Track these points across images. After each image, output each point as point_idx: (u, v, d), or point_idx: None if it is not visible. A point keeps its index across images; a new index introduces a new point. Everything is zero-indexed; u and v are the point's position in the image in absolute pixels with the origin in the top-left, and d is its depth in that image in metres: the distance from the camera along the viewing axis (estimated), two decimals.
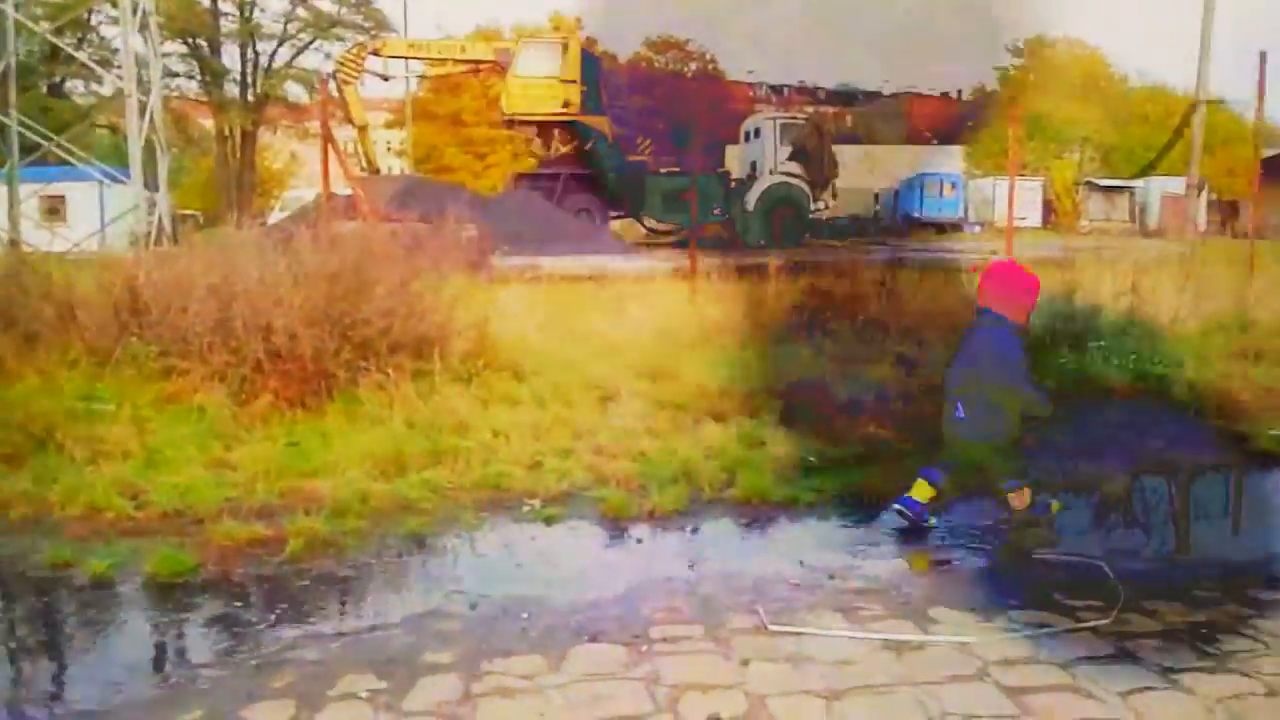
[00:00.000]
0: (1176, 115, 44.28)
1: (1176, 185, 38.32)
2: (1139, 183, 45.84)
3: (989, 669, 4.12)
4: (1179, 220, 34.41)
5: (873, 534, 5.90)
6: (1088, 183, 45.99)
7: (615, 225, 30.34)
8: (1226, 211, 43.40)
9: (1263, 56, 15.01)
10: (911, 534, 5.88)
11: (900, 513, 5.92)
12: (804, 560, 5.38)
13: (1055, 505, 6.02)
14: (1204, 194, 38.81)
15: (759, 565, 5.32)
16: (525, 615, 4.64)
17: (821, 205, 31.07)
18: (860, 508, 6.22)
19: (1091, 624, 4.54)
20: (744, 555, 5.55)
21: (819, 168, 30.18)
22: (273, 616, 4.67)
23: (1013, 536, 5.74)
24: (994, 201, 41.07)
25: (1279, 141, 55.87)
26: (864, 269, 13.70)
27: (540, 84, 28.97)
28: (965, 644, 4.33)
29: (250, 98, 47.30)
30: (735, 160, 34.28)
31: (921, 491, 5.92)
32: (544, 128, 29.78)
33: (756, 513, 6.15)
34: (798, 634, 4.42)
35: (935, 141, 59.20)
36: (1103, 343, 9.31)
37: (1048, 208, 44.61)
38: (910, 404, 7.89)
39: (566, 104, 29.02)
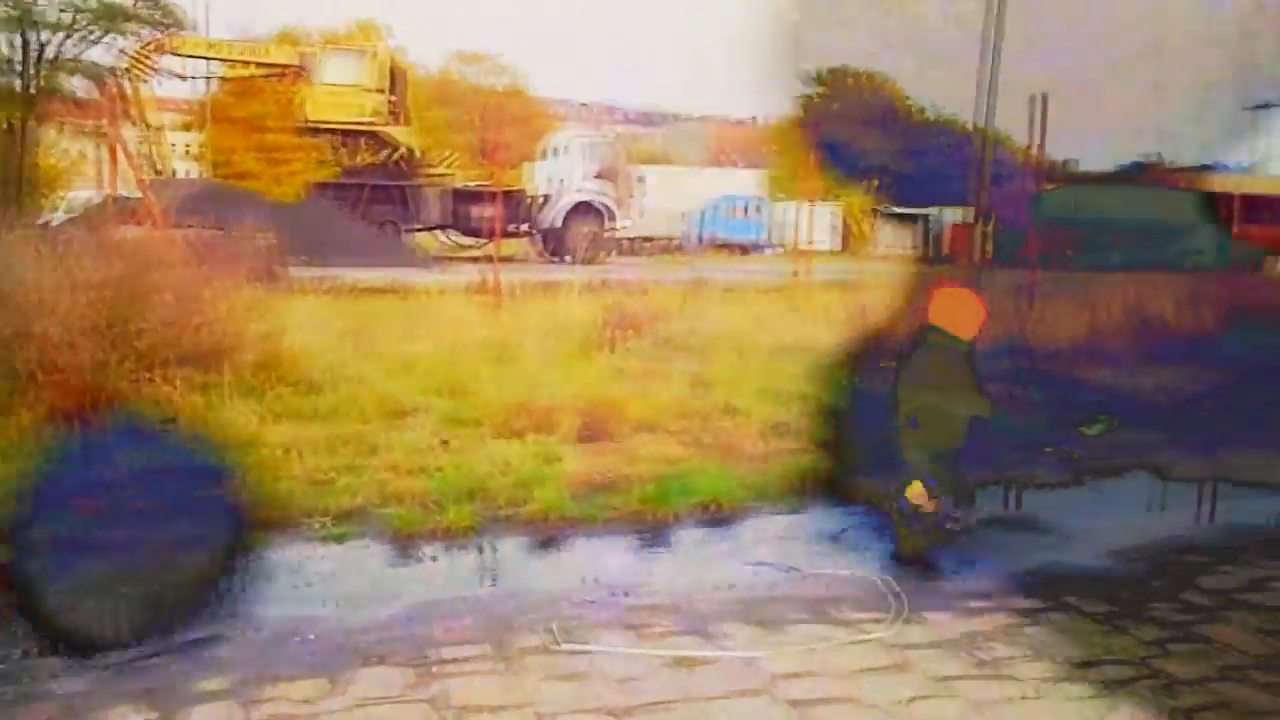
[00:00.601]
0: (967, 148, 46.40)
1: (964, 214, 40.20)
2: (930, 210, 47.87)
3: (774, 683, 4.19)
4: (966, 247, 36.05)
5: (668, 550, 5.96)
6: (880, 210, 47.79)
7: (418, 238, 29.93)
8: (1031, 241, 45.64)
9: (1044, 98, 15.92)
10: (707, 550, 5.96)
11: (896, 514, 6.07)
12: (597, 577, 5.38)
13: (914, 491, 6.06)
14: (990, 223, 40.85)
15: (551, 583, 5.29)
16: (308, 637, 4.49)
17: (623, 224, 31.35)
18: (655, 525, 6.27)
19: (873, 636, 4.68)
20: (537, 573, 5.52)
21: (622, 187, 30.48)
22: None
23: (901, 531, 6.01)
24: (794, 225, 42.23)
25: (1058, 178, 59.21)
26: (662, 289, 13.89)
27: (345, 92, 28.36)
28: (752, 659, 4.40)
29: (33, 90, 44.58)
30: (540, 176, 34.27)
31: (915, 492, 6.02)
32: (348, 136, 29.16)
33: (551, 530, 6.12)
34: (588, 652, 4.41)
35: (739, 165, 60.54)
36: (893, 363, 9.63)
37: (843, 233, 46.13)
38: (707, 422, 8.03)
39: (372, 113, 28.49)
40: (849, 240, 45.61)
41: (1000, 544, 6.34)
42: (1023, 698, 4.13)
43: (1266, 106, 73.16)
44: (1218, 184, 37.37)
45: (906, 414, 6.11)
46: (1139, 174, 67.56)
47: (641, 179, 31.57)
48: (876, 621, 4.84)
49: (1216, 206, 34.88)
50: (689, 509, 6.44)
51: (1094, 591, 5.37)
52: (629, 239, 33.52)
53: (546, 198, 31.05)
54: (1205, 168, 63.49)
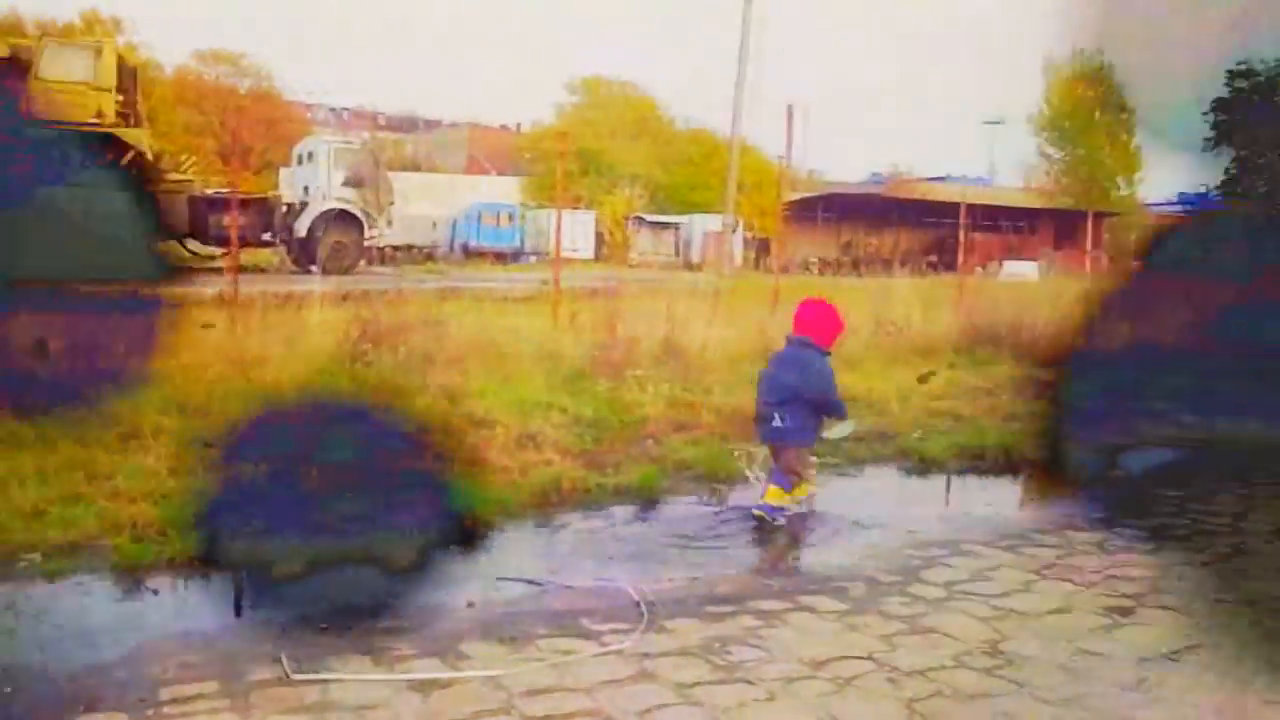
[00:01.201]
0: (716, 158, 47.74)
1: (716, 223, 41.30)
2: (683, 219, 48.97)
3: (514, 700, 4.13)
4: (718, 255, 37.05)
5: (411, 574, 5.81)
6: (637, 218, 48.55)
7: (161, 248, 28.40)
8: (760, 248, 47.26)
9: (790, 110, 16.49)
10: (451, 569, 5.86)
11: (759, 516, 6.85)
12: (333, 602, 5.18)
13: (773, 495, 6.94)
14: (739, 232, 42.13)
15: (288, 611, 5.07)
16: (6, 690, 4.14)
17: (377, 233, 30.70)
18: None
19: (615, 648, 4.68)
20: (272, 601, 5.28)
21: (375, 194, 29.82)
22: None
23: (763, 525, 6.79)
24: (550, 232, 42.38)
25: (805, 187, 61.64)
26: (415, 299, 13.63)
27: (69, 90, 26.56)
28: (494, 677, 4.33)
29: None
30: (290, 183, 33.12)
31: (774, 495, 6.91)
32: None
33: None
34: (322, 681, 4.24)
35: (495, 172, 60.36)
36: (639, 371, 9.76)
37: (600, 241, 46.60)
38: (452, 436, 7.90)
39: (99, 114, 26.82)
40: (606, 248, 46.08)
41: (752, 549, 6.49)
42: (758, 700, 4.21)
43: (1000, 122, 78.33)
44: (954, 194, 39.50)
45: (781, 415, 6.97)
46: (882, 183, 71.23)
47: (393, 186, 30.93)
48: (622, 632, 4.86)
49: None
50: (429, 531, 6.30)
51: (833, 589, 5.57)
52: (383, 248, 32.85)
53: (296, 205, 30.04)
54: (941, 178, 67.46)
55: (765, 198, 46.18)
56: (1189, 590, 5.80)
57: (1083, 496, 8.20)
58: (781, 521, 6.87)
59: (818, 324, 7.26)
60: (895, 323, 13.93)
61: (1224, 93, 59.31)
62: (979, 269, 40.72)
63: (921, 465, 8.81)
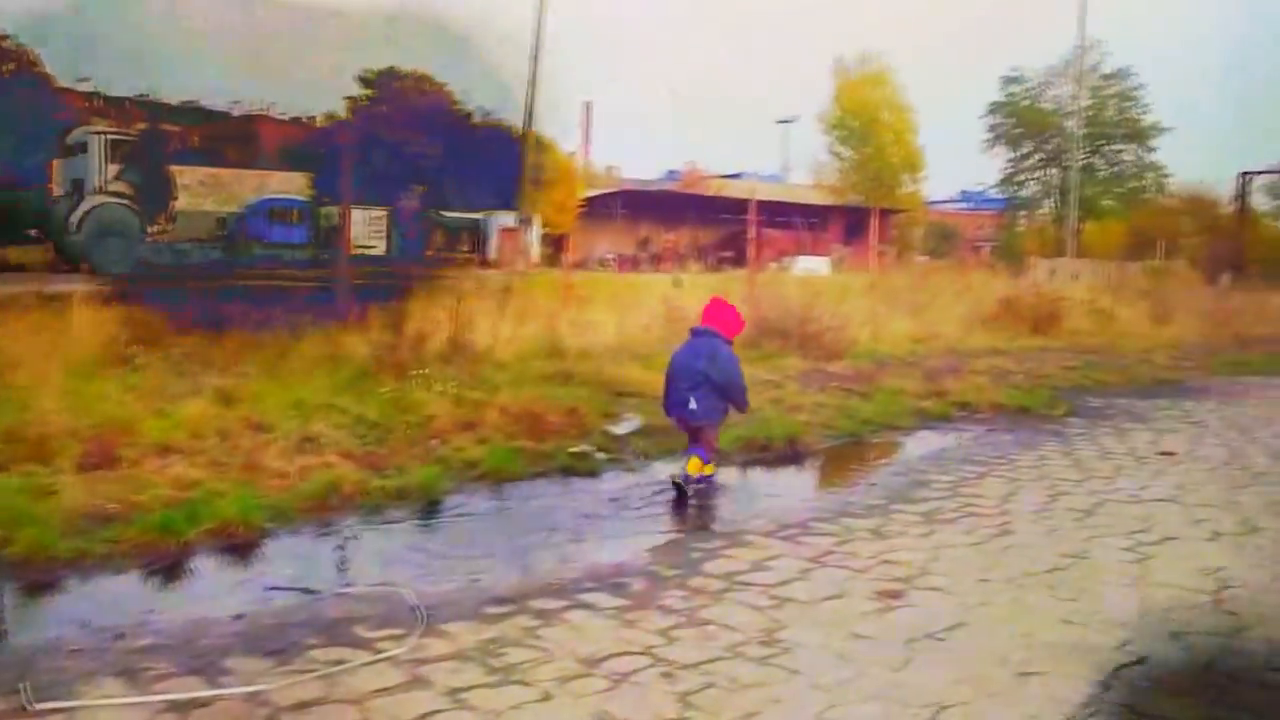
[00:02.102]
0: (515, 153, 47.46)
1: (512, 219, 41.09)
2: (479, 215, 48.51)
3: (279, 716, 3.96)
4: (514, 252, 36.88)
5: (176, 584, 5.54)
6: (432, 214, 47.81)
7: None
8: (557, 244, 47.26)
9: (588, 106, 16.51)
10: (219, 580, 5.61)
11: (678, 485, 7.54)
12: (89, 621, 4.88)
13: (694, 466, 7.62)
14: (535, 228, 42.05)
15: (32, 634, 4.75)
16: None
17: (157, 229, 29.29)
18: (163, 557, 5.81)
19: (389, 654, 4.55)
20: (16, 624, 4.94)
21: (154, 188, 28.44)
22: None
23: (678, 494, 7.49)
24: (343, 229, 41.32)
25: (602, 183, 62.01)
26: (197, 298, 13.08)
27: None
28: (257, 693, 4.14)
29: None
30: (60, 176, 31.23)
31: (695, 466, 7.61)
32: None
33: (38, 573, 5.51)
34: (68, 709, 3.97)
35: (287, 166, 58.49)
36: (425, 370, 9.58)
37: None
38: (229, 440, 7.60)
39: None
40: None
41: (521, 545, 6.43)
42: (533, 702, 4.15)
43: (792, 120, 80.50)
44: (745, 190, 40.31)
45: (695, 398, 7.75)
46: (678, 179, 72.30)
47: (176, 180, 29.57)
48: (395, 638, 4.73)
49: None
50: (203, 536, 6.04)
51: (612, 585, 5.56)
52: (163, 245, 31.33)
53: (65, 199, 28.35)
54: (735, 175, 68.93)
55: (562, 194, 46.21)
56: (957, 571, 6.01)
57: (861, 483, 8.46)
58: (700, 488, 7.71)
59: (722, 318, 8.21)
60: (686, 317, 14.09)
61: (999, 97, 62.48)
62: (772, 264, 41.81)
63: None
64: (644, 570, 5.87)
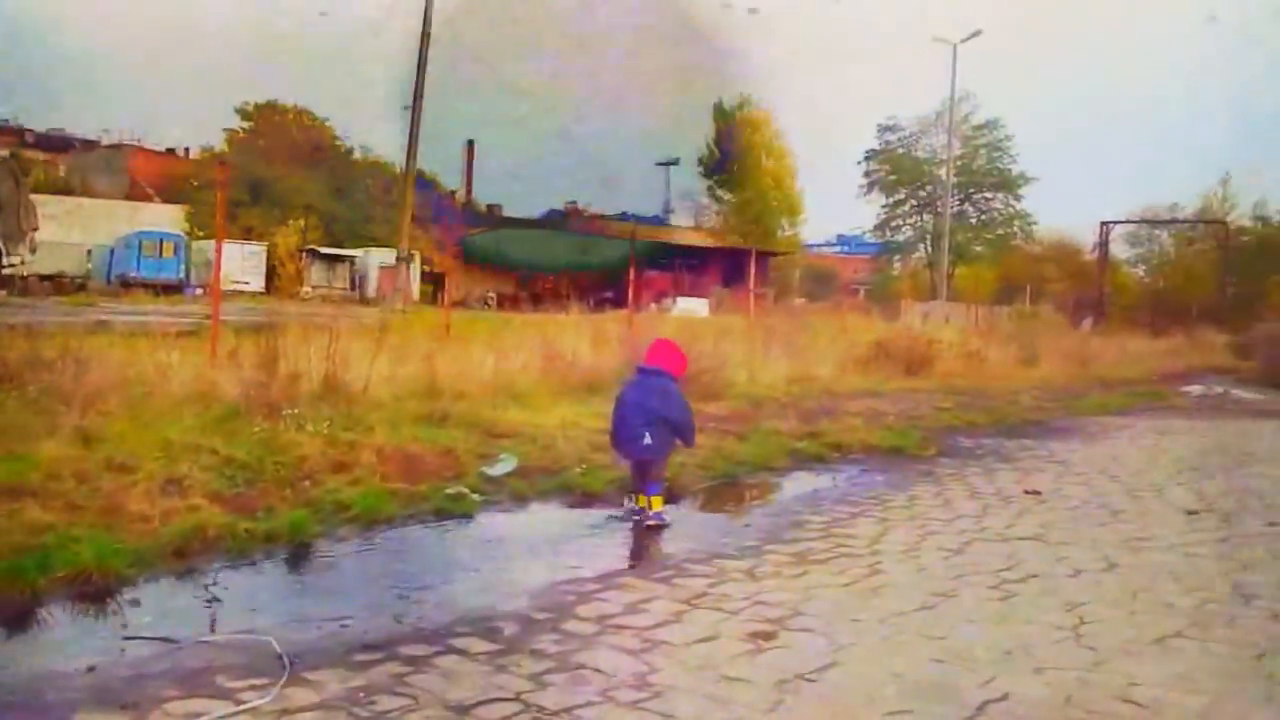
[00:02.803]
0: (395, 190, 47.02)
1: (392, 257, 40.70)
2: (359, 253, 47.98)
3: None
4: (393, 290, 36.51)
5: (19, 636, 5.30)
6: (310, 250, 47.16)
7: None
8: (437, 283, 46.94)
9: (470, 144, 16.48)
10: (70, 630, 5.38)
11: (652, 526, 7.99)
12: None
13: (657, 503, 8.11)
14: (415, 265, 41.71)
15: None
16: None
17: (16, 260, 28.30)
18: (7, 607, 5.56)
19: (251, 704, 4.42)
20: None
21: (13, 218, 27.49)
22: None
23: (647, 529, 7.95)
24: (217, 265, 40.45)
25: (483, 222, 61.80)
26: (58, 333, 12.62)
27: None
28: None
29: None
30: None
31: (656, 503, 8.09)
32: None
33: None
34: None
35: (158, 199, 57.10)
36: (297, 410, 9.39)
37: (272, 274, 44.95)
38: (88, 482, 7.32)
39: None
40: (278, 281, 44.44)
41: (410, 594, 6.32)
42: None
43: (672, 163, 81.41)
44: (627, 232, 40.67)
45: (649, 434, 8.03)
46: (560, 220, 72.45)
47: (36, 210, 28.59)
48: (258, 688, 4.59)
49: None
50: (55, 584, 5.80)
51: (485, 630, 5.49)
52: (26, 277, 30.29)
53: None
54: (619, 216, 69.36)
55: (445, 230, 45.96)
56: (829, 611, 6.08)
57: (737, 523, 8.52)
58: (668, 523, 8.13)
59: (669, 357, 8.57)
60: (564, 357, 14.11)
61: (875, 144, 64.21)
62: (653, 305, 42.17)
63: (584, 498, 8.91)
64: (517, 614, 5.80)
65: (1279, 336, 36.57)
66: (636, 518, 8.10)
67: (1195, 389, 25.82)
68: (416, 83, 32.79)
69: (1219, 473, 12.09)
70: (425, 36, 33.16)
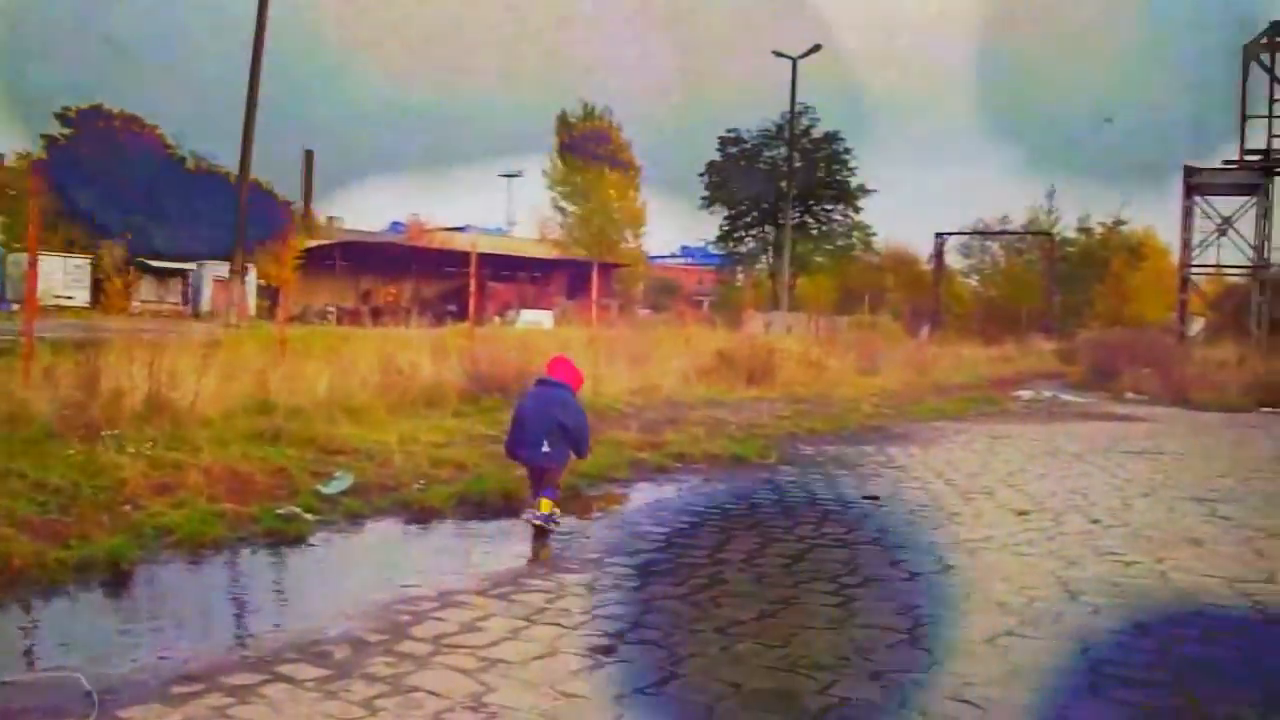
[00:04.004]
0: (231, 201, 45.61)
1: (226, 269, 39.42)
2: (191, 265, 46.35)
3: None
4: (228, 304, 35.35)
5: None
6: (140, 263, 45.32)
7: None
8: (274, 296, 45.64)
9: (309, 154, 16.00)
10: None
11: (538, 526, 8.19)
12: None
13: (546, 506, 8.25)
14: (251, 279, 40.53)
15: None
16: None
17: None
18: None
19: None
20: None
21: None
22: None
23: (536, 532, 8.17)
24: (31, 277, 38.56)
25: (323, 234, 60.48)
26: None
27: None
28: None
29: None
30: None
31: (547, 506, 8.23)
32: None
33: None
34: None
35: None
36: (118, 430, 8.95)
37: (98, 288, 43.03)
38: None
39: None
40: (103, 296, 42.51)
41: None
42: None
43: (516, 175, 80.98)
44: (466, 244, 40.21)
45: (548, 442, 8.33)
46: (402, 232, 71.44)
47: None
48: None
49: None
50: None
51: (314, 655, 5.27)
52: None
53: None
54: (459, 228, 68.70)
55: (285, 245, 44.70)
56: (668, 623, 6.03)
57: (577, 537, 8.44)
58: (557, 525, 8.31)
59: (568, 372, 8.96)
60: (404, 371, 13.82)
61: (717, 156, 65.06)
62: (496, 318, 41.88)
63: (422, 515, 8.71)
64: (348, 637, 5.59)
65: (1101, 342, 38.45)
66: (536, 522, 8.23)
67: (1025, 394, 26.78)
68: (249, 91, 31.85)
69: (1048, 474, 12.51)
70: (259, 42, 32.24)
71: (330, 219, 70.27)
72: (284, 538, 7.78)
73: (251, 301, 39.35)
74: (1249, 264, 35.49)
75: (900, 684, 5.10)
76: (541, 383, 8.84)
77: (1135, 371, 29.25)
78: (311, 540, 7.85)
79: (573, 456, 8.65)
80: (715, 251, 69.92)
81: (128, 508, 7.79)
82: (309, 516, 8.18)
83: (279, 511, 8.13)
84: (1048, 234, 67.76)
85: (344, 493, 8.86)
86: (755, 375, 21.52)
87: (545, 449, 8.35)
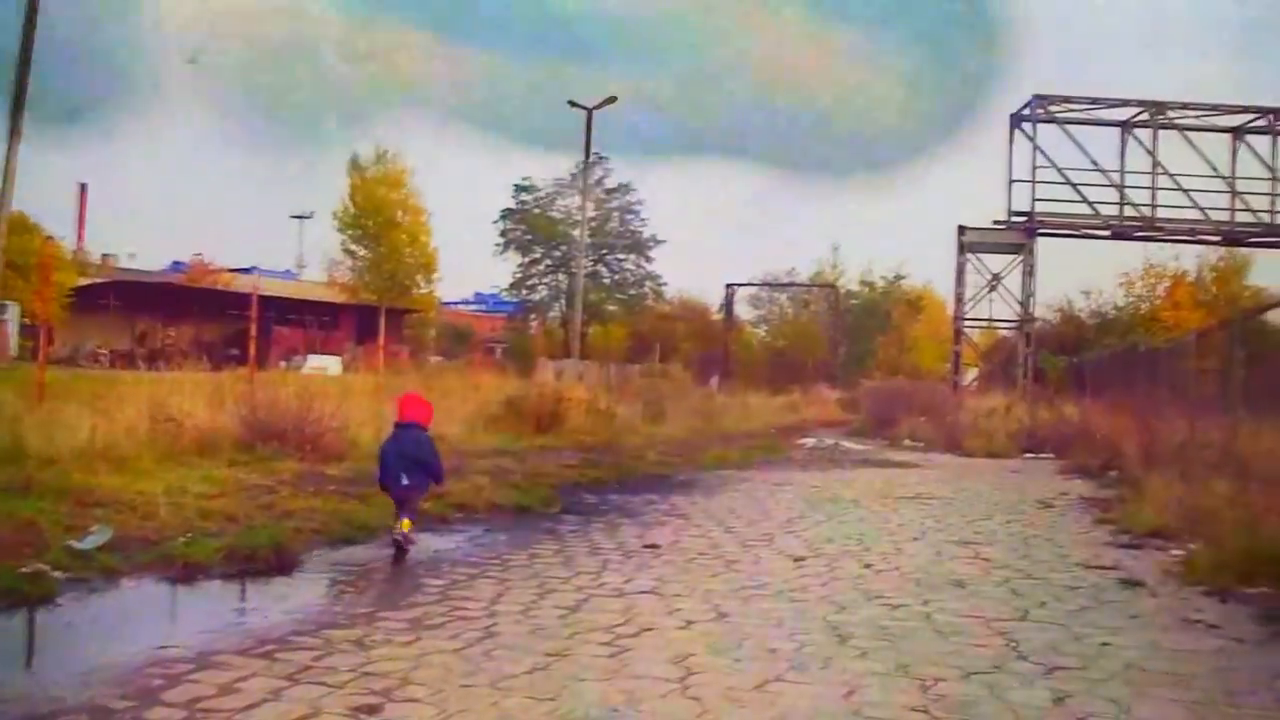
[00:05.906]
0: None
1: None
2: None
3: None
4: None
5: None
6: None
7: None
8: (44, 336, 43.09)
9: (83, 187, 15.22)
10: None
11: (397, 542, 9.47)
12: None
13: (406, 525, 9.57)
14: (13, 318, 38.25)
15: None
16: None
17: None
18: None
19: None
20: None
21: None
22: None
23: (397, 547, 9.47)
24: None
25: (96, 272, 57.65)
26: None
27: None
28: None
29: None
30: None
31: (406, 525, 9.51)
32: None
33: None
34: None
35: None
36: None
37: None
38: None
39: None
40: None
41: None
42: None
43: (306, 216, 79.14)
44: (249, 285, 38.99)
45: (407, 476, 9.69)
46: (183, 272, 68.80)
47: None
48: None
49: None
50: None
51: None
52: None
53: None
54: (246, 270, 66.62)
55: (44, 282, 42.32)
56: (438, 679, 5.89)
57: (350, 592, 8.20)
58: (414, 542, 9.66)
59: (417, 408, 10.37)
60: (175, 418, 13.22)
61: (512, 204, 65.07)
62: (282, 363, 40.62)
63: (186, 571, 8.28)
64: (89, 705, 5.24)
65: (881, 391, 40.09)
66: (397, 539, 9.49)
67: (809, 441, 27.61)
68: (13, 116, 30.08)
69: (826, 520, 12.88)
70: (25, 65, 30.53)
71: (105, 256, 67.14)
72: (25, 598, 7.24)
73: (14, 341, 37.07)
74: (1016, 318, 37.58)
75: None
76: (398, 425, 10.17)
77: (912, 420, 30.60)
78: (59, 600, 7.34)
79: (433, 484, 10.22)
80: (509, 298, 69.90)
81: None
82: (57, 574, 7.66)
83: (22, 570, 7.57)
84: (832, 286, 70.39)
85: (101, 548, 8.36)
86: (544, 423, 21.54)
87: (405, 482, 9.74)
